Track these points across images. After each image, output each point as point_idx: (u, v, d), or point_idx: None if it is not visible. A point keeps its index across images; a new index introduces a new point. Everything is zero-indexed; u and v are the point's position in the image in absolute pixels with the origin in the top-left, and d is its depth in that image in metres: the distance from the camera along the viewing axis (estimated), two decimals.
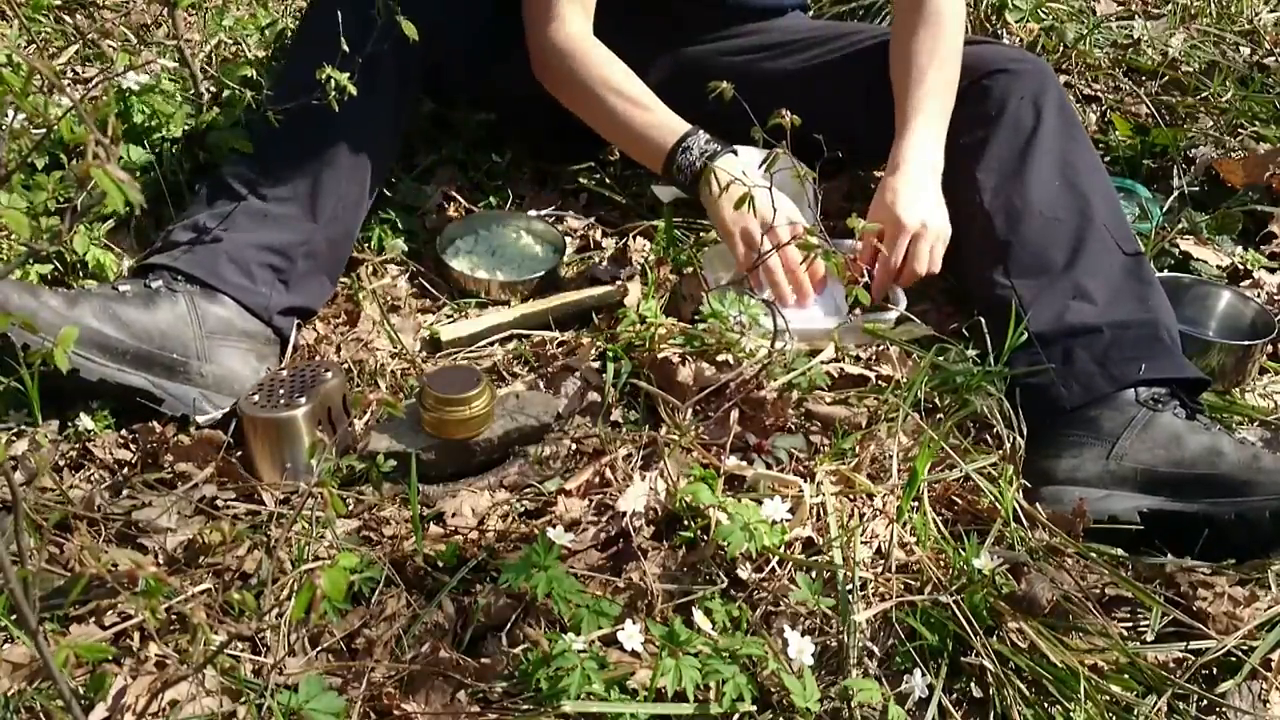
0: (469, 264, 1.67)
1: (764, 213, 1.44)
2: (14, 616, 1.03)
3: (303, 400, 1.27)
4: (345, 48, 1.40)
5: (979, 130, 1.56)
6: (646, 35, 1.77)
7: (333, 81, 1.35)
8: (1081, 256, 1.42)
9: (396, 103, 1.56)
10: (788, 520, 1.13)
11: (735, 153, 1.52)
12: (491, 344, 1.54)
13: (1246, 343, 1.50)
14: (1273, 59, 2.40)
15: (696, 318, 1.46)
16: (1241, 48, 2.45)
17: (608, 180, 1.87)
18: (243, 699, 0.99)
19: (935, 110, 1.56)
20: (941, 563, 1.14)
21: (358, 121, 1.49)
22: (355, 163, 1.51)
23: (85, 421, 1.29)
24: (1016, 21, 2.34)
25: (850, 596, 1.08)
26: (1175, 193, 1.91)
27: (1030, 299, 1.41)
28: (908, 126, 1.56)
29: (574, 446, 1.31)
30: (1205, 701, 1.04)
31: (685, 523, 1.17)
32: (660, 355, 1.39)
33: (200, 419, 1.33)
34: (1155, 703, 1.02)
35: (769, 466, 1.27)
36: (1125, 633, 1.11)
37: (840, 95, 1.69)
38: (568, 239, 1.73)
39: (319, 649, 1.07)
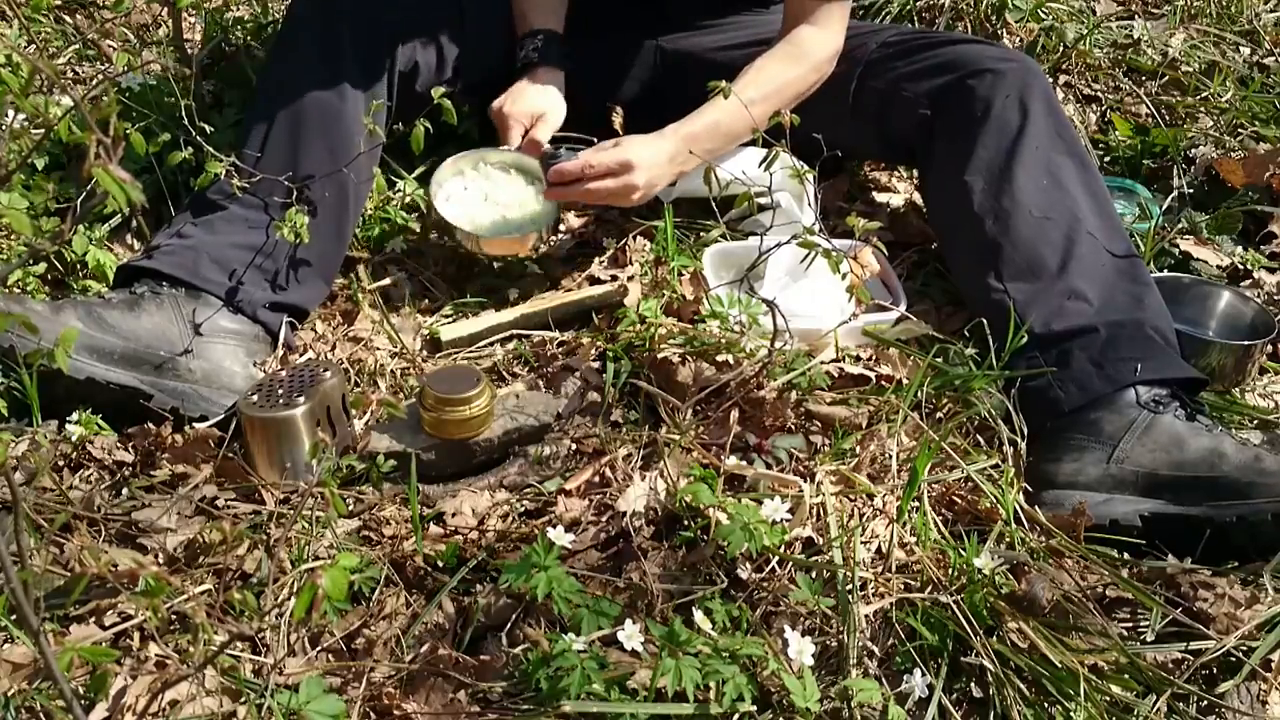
0: (467, 217, 1.63)
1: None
2: (14, 616, 1.03)
3: (302, 400, 1.27)
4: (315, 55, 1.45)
5: (965, 133, 1.54)
6: (632, 24, 1.77)
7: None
8: (1074, 257, 1.42)
9: (367, 103, 1.56)
10: (788, 520, 1.13)
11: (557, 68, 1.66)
12: (491, 344, 1.54)
13: (1246, 343, 1.50)
14: (1273, 59, 2.40)
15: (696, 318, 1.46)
16: (1241, 48, 2.45)
17: None
18: (243, 699, 0.99)
19: (726, 134, 1.58)
20: (941, 563, 1.14)
21: (329, 124, 1.52)
22: (332, 162, 1.51)
23: (72, 428, 1.28)
24: (1016, 21, 2.34)
25: (850, 596, 1.08)
26: (1175, 193, 1.91)
27: (1025, 302, 1.40)
28: (697, 114, 1.58)
29: (574, 446, 1.31)
30: (1205, 702, 1.04)
31: (685, 523, 1.17)
32: (660, 355, 1.39)
33: (200, 425, 1.33)
34: (1155, 703, 1.02)
35: (769, 466, 1.27)
36: (1125, 633, 1.11)
37: (824, 101, 1.67)
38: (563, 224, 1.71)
39: (319, 649, 1.08)
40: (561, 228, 1.69)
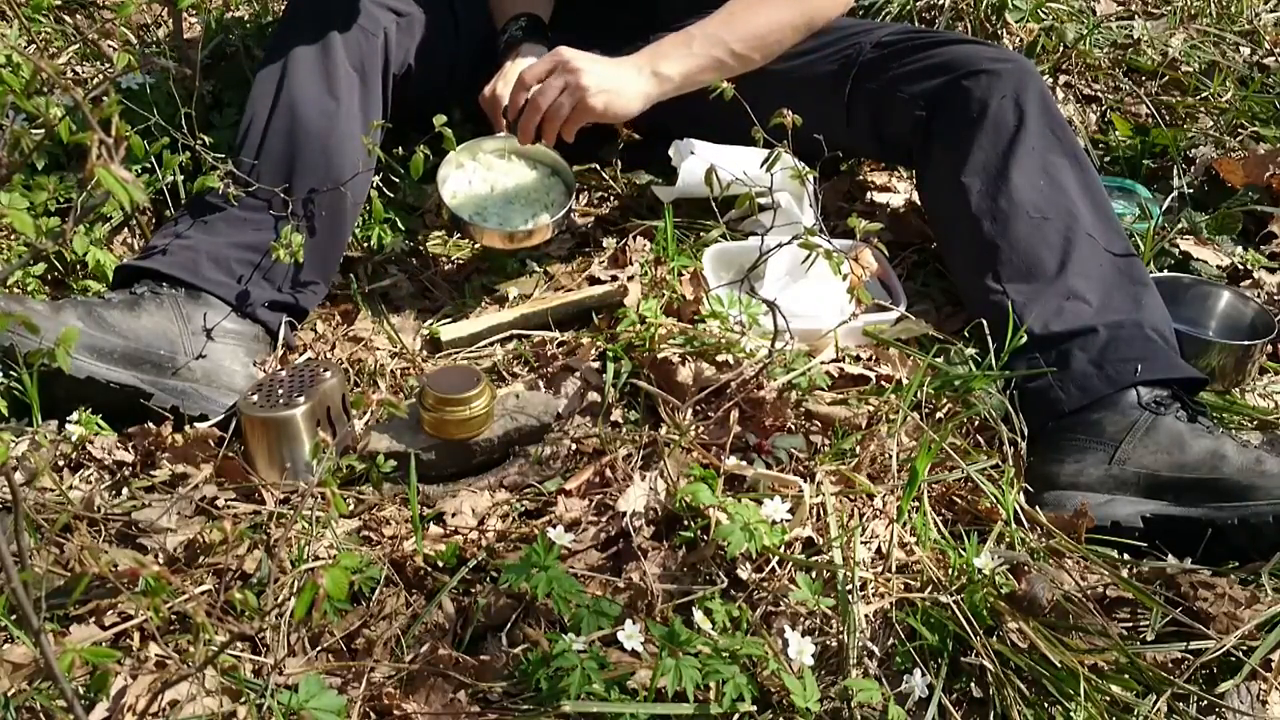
0: (478, 212, 1.61)
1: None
2: (15, 616, 1.03)
3: (301, 400, 1.27)
4: (308, 57, 1.48)
5: (961, 133, 1.54)
6: (623, 25, 1.76)
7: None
8: (1072, 258, 1.41)
9: (364, 104, 1.56)
10: (788, 520, 1.13)
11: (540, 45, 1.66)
12: (491, 344, 1.54)
13: (1246, 343, 1.50)
14: (1273, 59, 2.40)
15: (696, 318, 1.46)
16: (1241, 48, 2.45)
17: (608, 179, 1.87)
18: (243, 699, 0.99)
19: (704, 39, 1.59)
20: (941, 563, 1.14)
21: (325, 125, 1.51)
22: (328, 164, 1.51)
23: (72, 428, 1.28)
24: (1016, 21, 2.34)
25: (850, 596, 1.08)
26: (1175, 193, 1.91)
27: (1023, 303, 1.40)
28: (669, 38, 1.60)
29: (574, 446, 1.31)
30: (1205, 702, 1.04)
31: (685, 523, 1.17)
32: (660, 355, 1.39)
33: (200, 424, 1.33)
34: (1155, 703, 1.02)
35: (769, 466, 1.27)
36: (1125, 633, 1.11)
37: (819, 102, 1.67)
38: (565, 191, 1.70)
39: (319, 649, 1.08)
40: (564, 225, 1.68)
